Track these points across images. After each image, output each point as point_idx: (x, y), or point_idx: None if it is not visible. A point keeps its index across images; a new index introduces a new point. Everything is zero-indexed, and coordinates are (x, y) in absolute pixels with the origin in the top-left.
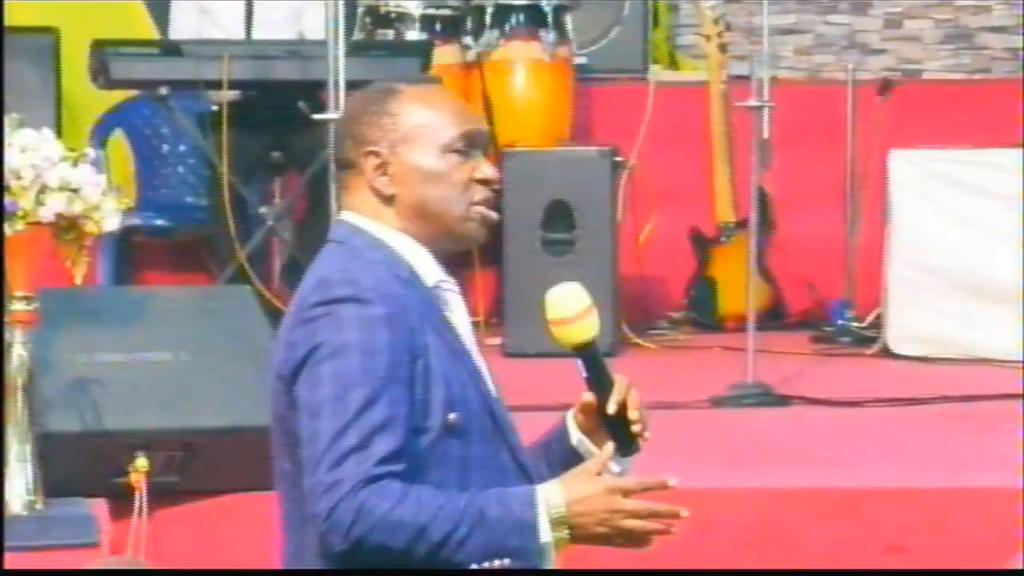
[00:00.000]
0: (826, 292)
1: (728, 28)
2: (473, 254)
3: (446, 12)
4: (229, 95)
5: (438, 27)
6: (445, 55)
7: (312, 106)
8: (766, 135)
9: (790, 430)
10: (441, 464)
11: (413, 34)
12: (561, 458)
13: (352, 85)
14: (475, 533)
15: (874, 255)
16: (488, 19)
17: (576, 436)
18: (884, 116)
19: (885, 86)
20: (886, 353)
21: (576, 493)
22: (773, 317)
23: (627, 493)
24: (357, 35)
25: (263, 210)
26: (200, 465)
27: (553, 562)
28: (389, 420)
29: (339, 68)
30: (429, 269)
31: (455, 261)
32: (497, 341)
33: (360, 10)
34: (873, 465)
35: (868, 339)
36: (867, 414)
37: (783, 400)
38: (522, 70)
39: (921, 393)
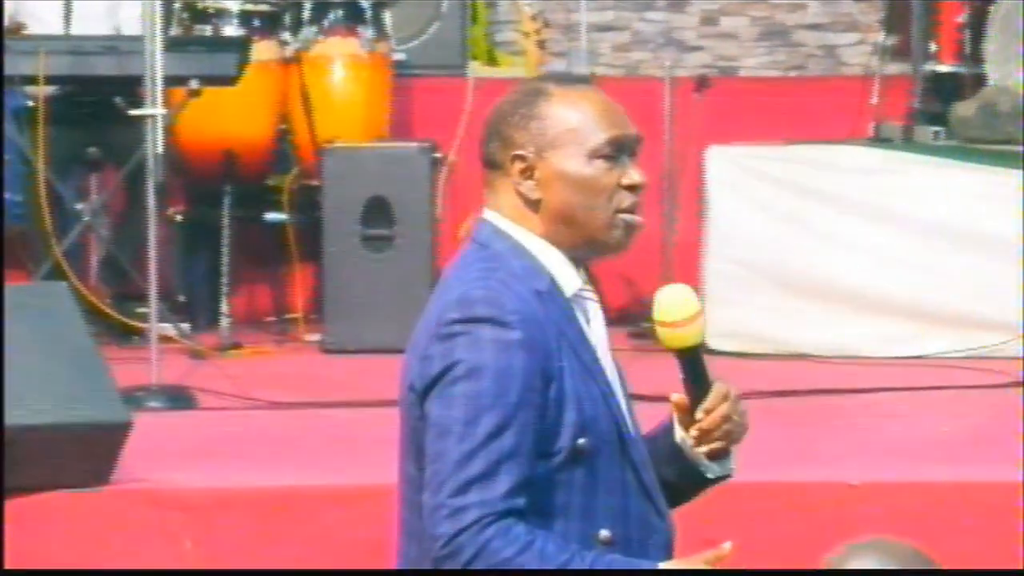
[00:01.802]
0: (644, 288)
1: (546, 25)
2: (292, 250)
3: (264, 8)
4: (45, 90)
5: (256, 23)
6: (263, 51)
7: (129, 102)
8: None
9: None
10: (567, 487)
11: (231, 30)
12: (666, 453)
13: (169, 81)
14: None
15: (692, 251)
16: (306, 15)
17: (680, 434)
18: (701, 113)
19: (701, 83)
20: (704, 348)
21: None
22: None
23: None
24: (175, 30)
25: (80, 206)
26: (17, 462)
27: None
28: (516, 449)
29: (156, 64)
30: (569, 278)
31: (275, 257)
32: (316, 337)
33: (177, 5)
34: None
35: None
36: None
37: None
38: (340, 66)
39: (737, 388)
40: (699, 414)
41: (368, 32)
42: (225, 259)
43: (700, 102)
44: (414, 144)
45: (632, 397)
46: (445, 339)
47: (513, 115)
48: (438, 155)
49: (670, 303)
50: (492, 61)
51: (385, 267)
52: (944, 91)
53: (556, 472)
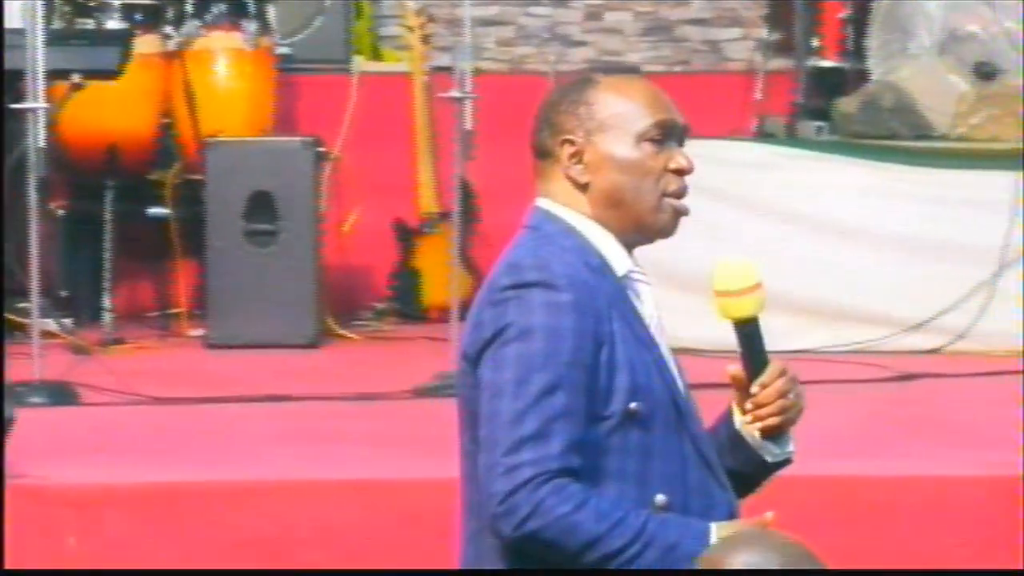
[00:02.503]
0: None
1: (430, 19)
2: (175, 245)
3: (147, 1)
4: None
5: (139, 16)
6: (146, 44)
7: (11, 96)
8: (469, 126)
9: None
10: (621, 452)
11: (113, 23)
12: (727, 441)
13: (51, 75)
14: (646, 554)
15: None
16: (189, 9)
17: (739, 420)
18: None
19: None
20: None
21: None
22: None
23: None
24: (57, 24)
25: None
26: None
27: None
28: (568, 408)
29: (38, 58)
30: (620, 258)
31: (157, 252)
32: (199, 332)
33: None
34: None
35: None
36: None
37: None
38: (224, 60)
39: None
40: (754, 388)
41: (252, 26)
42: (107, 254)
43: None
44: (298, 139)
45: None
46: (496, 304)
47: (562, 102)
48: (322, 150)
49: (728, 273)
50: (376, 56)
51: (269, 262)
52: (827, 86)
53: (610, 436)
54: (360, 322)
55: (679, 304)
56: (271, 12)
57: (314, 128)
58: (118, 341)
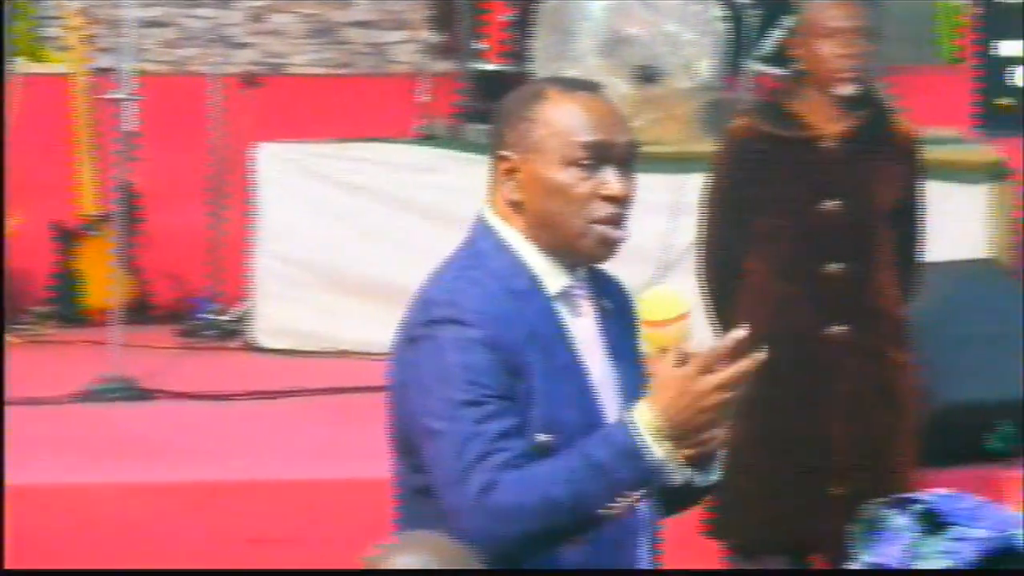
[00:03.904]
0: (193, 285)
1: (93, 20)
2: None
3: None
4: None
5: None
6: None
7: None
8: (131, 128)
9: (155, 425)
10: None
11: None
12: None
13: None
14: (593, 481)
15: (240, 249)
16: None
17: None
18: (250, 109)
19: (249, 80)
20: (253, 346)
21: (663, 399)
22: (140, 311)
23: (706, 369)
24: None
25: None
26: None
27: (678, 476)
28: (505, 431)
29: None
30: (554, 276)
31: None
32: None
33: None
34: (238, 458)
35: (234, 332)
36: (233, 408)
37: (148, 394)
38: None
39: (287, 386)
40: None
41: None
42: None
43: (248, 99)
44: None
45: (175, 395)
46: (410, 343)
47: (510, 114)
48: None
49: (655, 302)
50: (36, 57)
51: None
52: (491, 89)
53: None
54: (19, 326)
55: (340, 307)
56: None
57: None
58: None
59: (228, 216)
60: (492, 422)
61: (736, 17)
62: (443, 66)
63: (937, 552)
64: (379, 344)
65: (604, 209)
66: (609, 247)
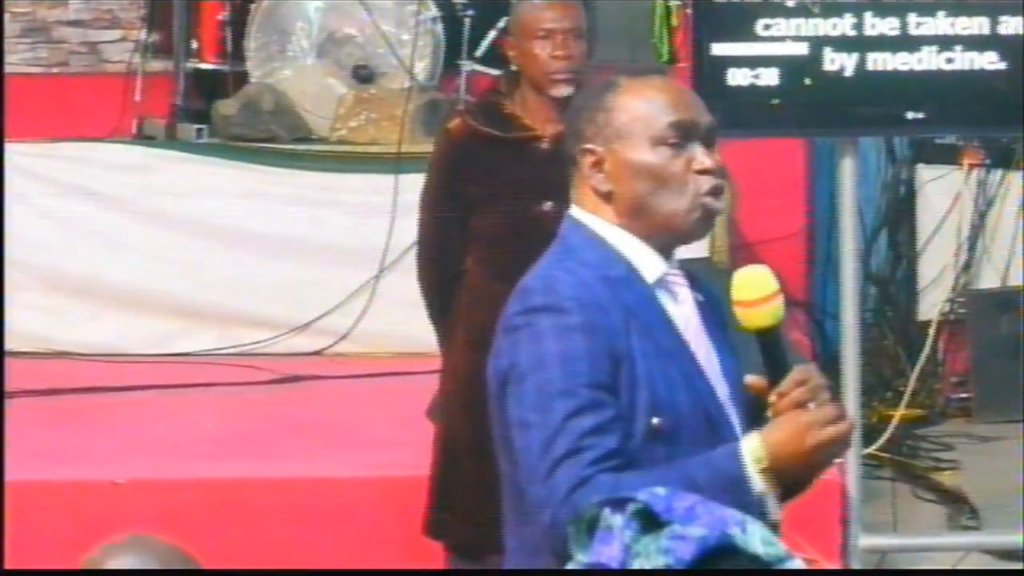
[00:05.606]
0: None
1: None
2: None
3: None
4: None
5: None
6: None
7: None
8: None
9: None
10: (647, 468)
11: None
12: None
13: None
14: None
15: None
16: None
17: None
18: None
19: None
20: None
21: (777, 437)
22: None
23: (827, 422)
24: None
25: None
26: None
27: (777, 510)
28: (597, 426)
29: None
30: (651, 264)
31: None
32: None
33: None
34: None
35: None
36: None
37: None
38: None
39: (7, 388)
40: (772, 397)
41: None
42: None
43: None
44: None
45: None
46: (509, 332)
47: (584, 109)
48: None
49: (746, 282)
50: None
51: None
52: (206, 89)
53: (637, 453)
54: None
55: (63, 308)
56: None
57: None
58: None
59: None
60: (584, 416)
61: (452, 17)
62: (158, 65)
63: (656, 551)
64: (97, 345)
65: (707, 182)
66: (710, 220)
